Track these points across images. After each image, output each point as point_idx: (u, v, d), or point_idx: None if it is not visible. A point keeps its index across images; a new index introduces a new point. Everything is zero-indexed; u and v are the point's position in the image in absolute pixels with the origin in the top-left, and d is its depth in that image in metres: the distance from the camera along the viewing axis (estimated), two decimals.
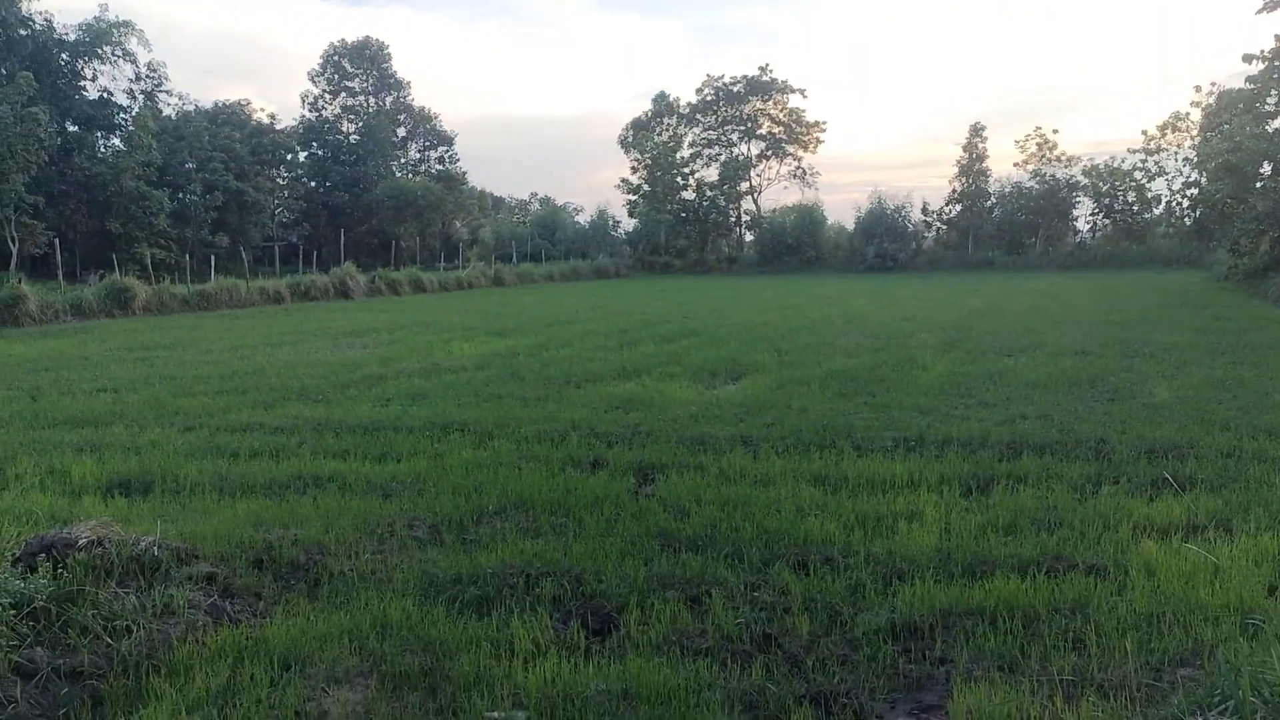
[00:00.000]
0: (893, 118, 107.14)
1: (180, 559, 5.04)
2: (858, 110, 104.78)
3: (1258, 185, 30.77)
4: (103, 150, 50.08)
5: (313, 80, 69.32)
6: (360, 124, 69.15)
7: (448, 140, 74.74)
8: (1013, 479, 6.98)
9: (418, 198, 64.68)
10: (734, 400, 10.81)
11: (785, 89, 66.37)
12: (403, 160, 73.68)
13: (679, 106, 69.48)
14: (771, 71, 66.33)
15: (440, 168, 73.76)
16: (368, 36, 70.06)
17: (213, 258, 38.11)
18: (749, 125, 67.40)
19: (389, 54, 70.74)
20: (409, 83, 72.17)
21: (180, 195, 50.73)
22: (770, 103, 66.92)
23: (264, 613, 4.88)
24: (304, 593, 5.14)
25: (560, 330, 20.16)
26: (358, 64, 69.60)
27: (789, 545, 5.67)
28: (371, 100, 70.71)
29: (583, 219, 71.64)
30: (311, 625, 4.63)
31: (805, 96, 66.89)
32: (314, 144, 67.80)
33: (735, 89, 66.86)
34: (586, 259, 58.95)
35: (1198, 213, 47.15)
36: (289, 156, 65.16)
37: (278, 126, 63.01)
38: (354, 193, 66.13)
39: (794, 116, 66.78)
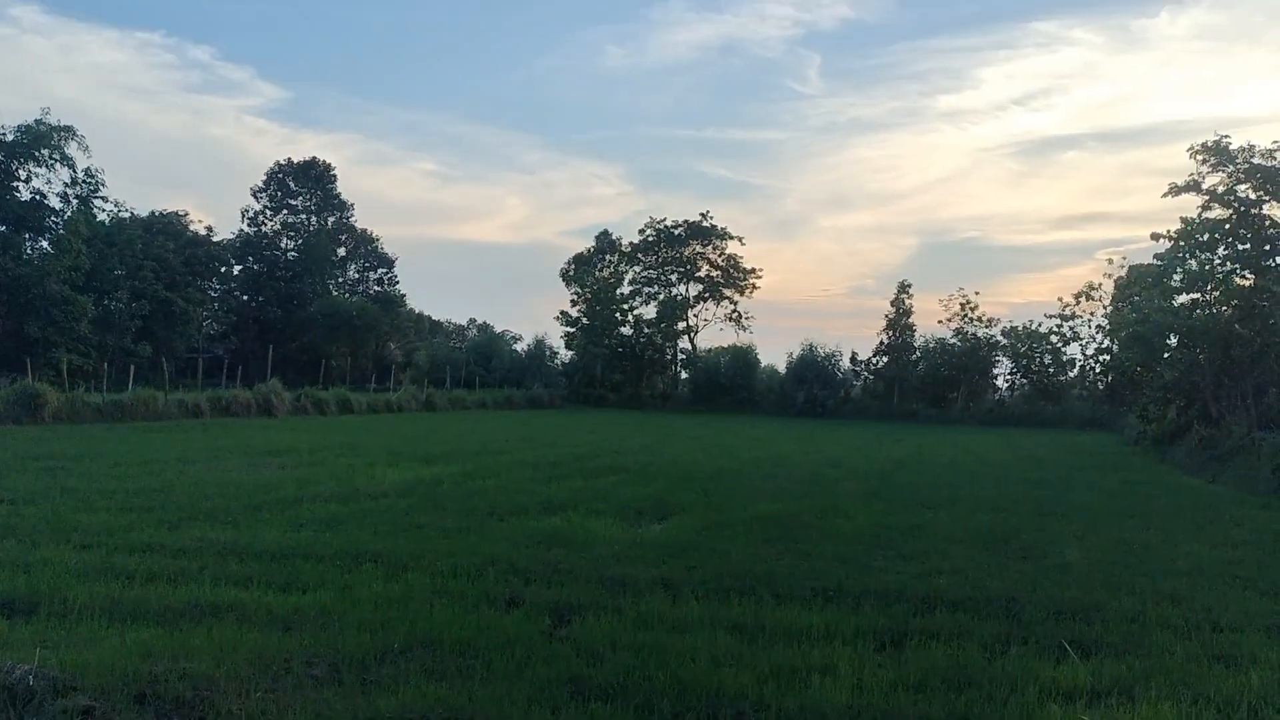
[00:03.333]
0: (827, 269, 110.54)
1: (57, 690, 4.79)
2: (796, 259, 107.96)
3: (1165, 356, 32.09)
4: (29, 252, 49.28)
5: (255, 195, 69.73)
6: (300, 241, 69.27)
7: (388, 262, 75.11)
8: (926, 635, 6.98)
9: (353, 317, 64.49)
10: (658, 541, 10.74)
11: (724, 235, 68.25)
12: (341, 279, 73.69)
13: (621, 245, 71.02)
14: (711, 218, 68.28)
15: (379, 289, 73.88)
16: (314, 158, 70.96)
17: (133, 367, 37.31)
18: (688, 267, 68.93)
19: (334, 175, 71.58)
20: (353, 204, 72.93)
21: (105, 301, 49.88)
22: (709, 247, 68.65)
23: None
24: None
25: (489, 459, 19.98)
26: (302, 183, 70.20)
27: (701, 697, 5.56)
28: (313, 219, 71.08)
29: (520, 347, 71.90)
30: None
31: (743, 244, 68.68)
32: (250, 258, 67.62)
33: (676, 232, 68.61)
34: (521, 388, 58.91)
35: (1109, 378, 48.94)
36: (223, 269, 64.76)
37: (215, 238, 62.81)
38: (288, 309, 65.76)
39: (731, 262, 68.51)
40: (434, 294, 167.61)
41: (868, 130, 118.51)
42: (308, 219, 70.90)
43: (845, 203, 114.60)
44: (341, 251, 73.56)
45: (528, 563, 9.12)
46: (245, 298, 66.72)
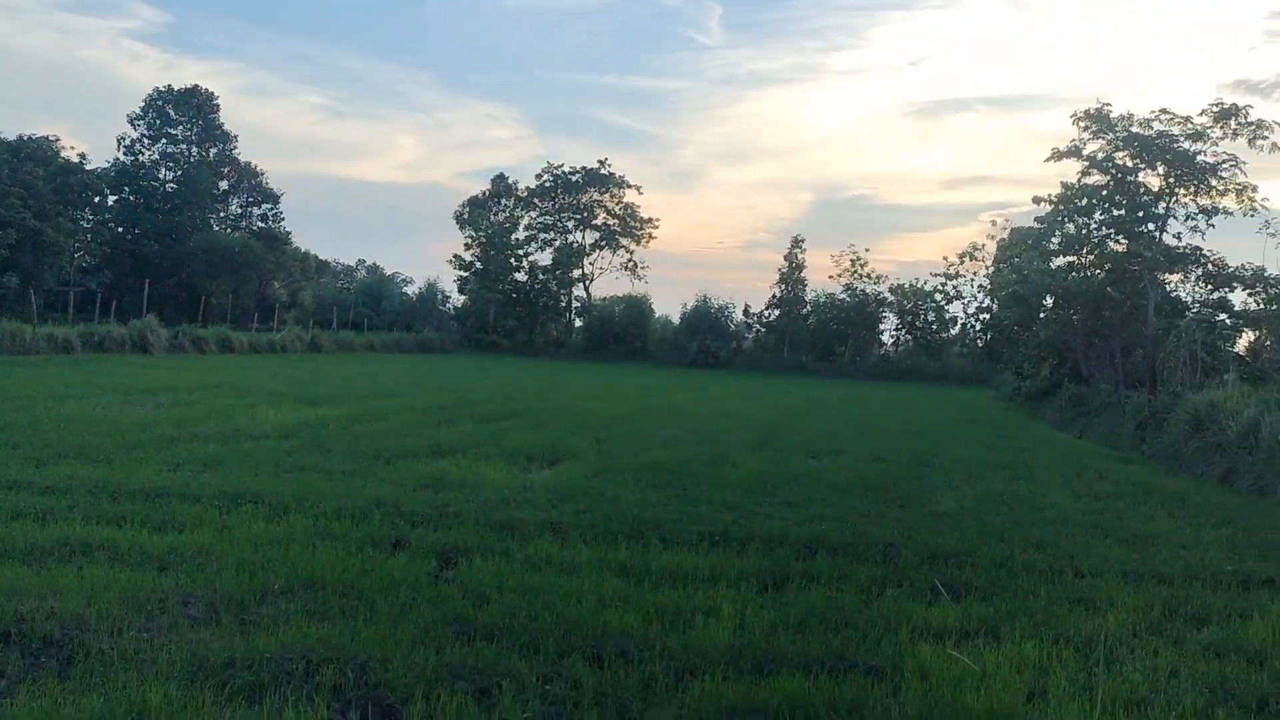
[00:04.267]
0: (723, 222, 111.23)
1: None
2: (692, 211, 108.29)
3: (1041, 316, 33.43)
4: None
5: (132, 123, 66.19)
6: (179, 173, 66.36)
7: (273, 197, 72.47)
8: (807, 578, 7.17)
9: (235, 254, 62.30)
10: (548, 485, 10.75)
11: (622, 184, 68.00)
12: (223, 214, 70.93)
13: (517, 189, 70.14)
14: (610, 166, 67.93)
15: (263, 225, 71.40)
16: (196, 85, 67.80)
17: None
18: (585, 215, 68.55)
19: (217, 104, 68.48)
20: (236, 136, 69.94)
21: None
22: (607, 195, 68.34)
23: (5, 692, 4.45)
24: (54, 672, 4.71)
25: (376, 403, 19.65)
26: (183, 111, 67.01)
27: (587, 637, 5.62)
28: (194, 150, 68.08)
29: (411, 290, 70.76)
30: (58, 709, 4.24)
31: (640, 193, 68.60)
32: (126, 189, 64.51)
33: (574, 179, 68.05)
34: (412, 331, 58.02)
35: (989, 336, 50.82)
36: (97, 199, 61.63)
37: (88, 167, 59.63)
38: (165, 243, 63.08)
39: (629, 211, 68.36)
40: (322, 233, 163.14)
41: (766, 84, 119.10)
42: (188, 149, 67.84)
43: (742, 156, 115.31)
44: (224, 185, 70.70)
45: (415, 506, 9.03)
46: (120, 230, 63.63)
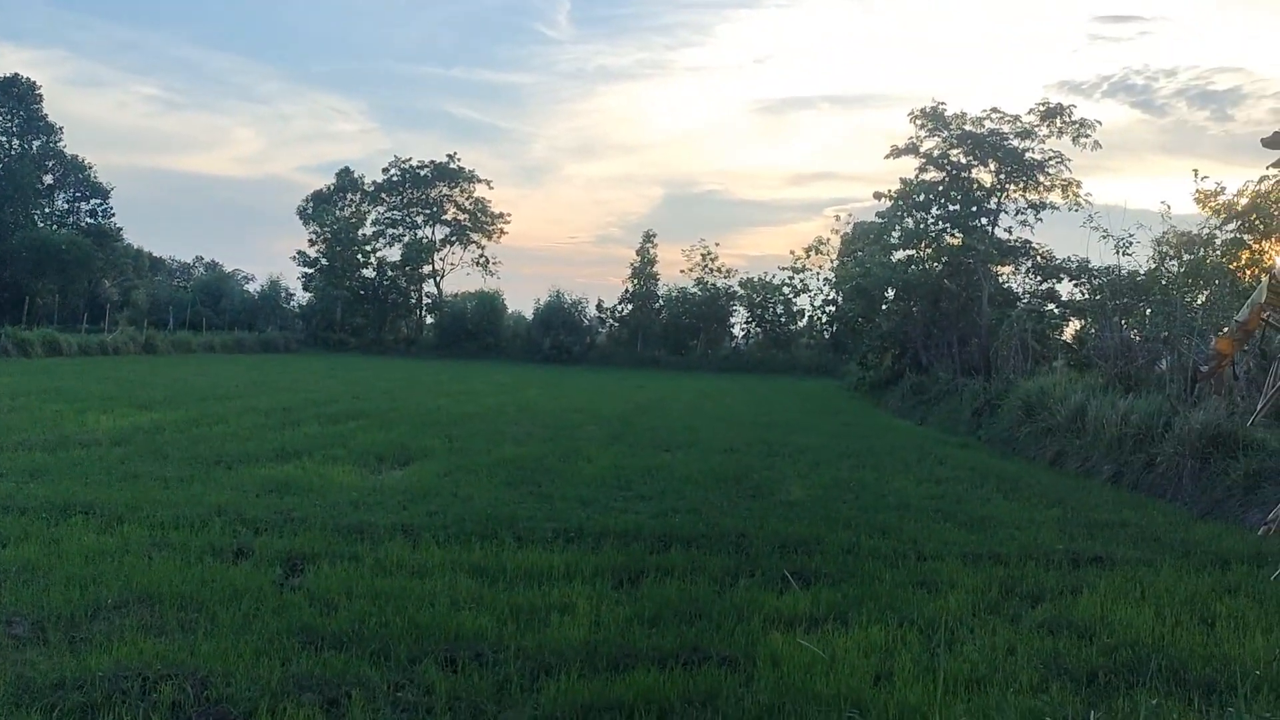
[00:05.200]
0: (574, 217, 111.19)
1: None
2: (544, 206, 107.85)
3: (883, 308, 34.76)
4: None
5: None
6: (0, 166, 62.06)
7: (103, 192, 68.44)
8: (661, 571, 7.25)
9: (61, 251, 58.59)
10: (399, 487, 10.54)
11: (472, 178, 67.17)
12: (48, 210, 66.67)
13: (364, 184, 68.38)
14: (459, 160, 67.00)
15: (92, 221, 67.45)
16: (17, 74, 63.40)
17: None
18: (434, 210, 67.41)
19: (40, 94, 64.22)
20: (61, 128, 65.73)
21: None
22: (457, 190, 67.40)
23: None
24: None
25: (216, 405, 18.85)
26: (2, 102, 62.69)
27: (439, 641, 5.53)
28: (15, 142, 63.75)
29: (253, 288, 68.07)
30: None
31: (491, 187, 67.91)
32: None
33: (422, 173, 66.85)
34: (255, 331, 55.91)
35: (835, 328, 52.51)
36: None
37: None
38: None
39: (479, 206, 67.60)
40: (156, 229, 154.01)
41: (615, 79, 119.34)
42: (9, 142, 63.38)
43: (592, 151, 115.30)
44: (49, 179, 66.36)
45: (258, 512, 8.71)
46: None
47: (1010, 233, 32.28)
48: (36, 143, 64.78)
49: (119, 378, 25.82)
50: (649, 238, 62.62)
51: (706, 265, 61.57)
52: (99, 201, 68.44)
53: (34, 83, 64.11)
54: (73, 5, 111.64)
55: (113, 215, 68.52)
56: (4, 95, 62.64)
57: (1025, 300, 30.79)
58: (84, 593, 6.00)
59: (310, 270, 63.13)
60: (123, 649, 5.09)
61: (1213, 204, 23.75)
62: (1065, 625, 6.34)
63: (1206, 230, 23.23)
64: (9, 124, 63.40)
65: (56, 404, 17.39)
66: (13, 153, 63.16)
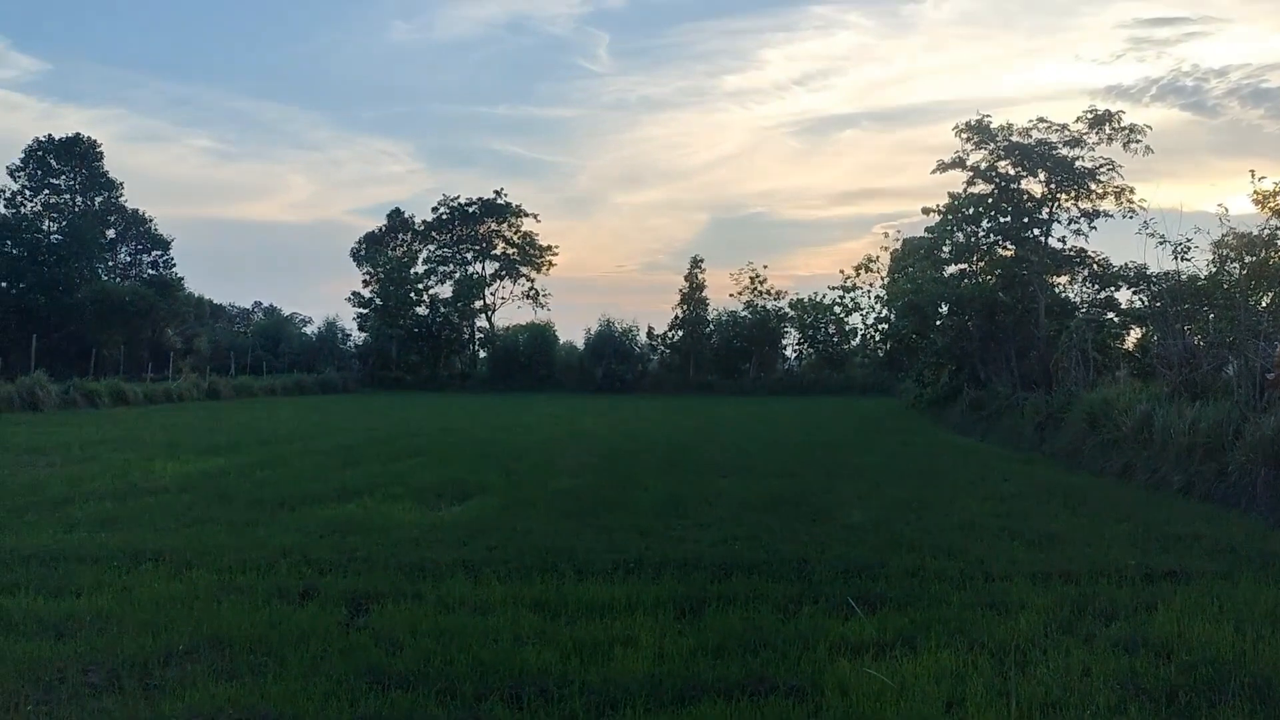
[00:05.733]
0: (621, 246, 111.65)
1: None
2: (591, 236, 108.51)
3: (937, 323, 34.34)
4: None
5: (12, 175, 63.59)
6: (64, 223, 63.98)
7: (163, 243, 70.33)
8: (723, 600, 7.20)
9: (126, 303, 60.13)
10: (459, 522, 10.61)
11: (519, 212, 68.02)
12: (111, 263, 68.63)
13: (414, 223, 69.53)
14: (506, 195, 67.93)
15: (154, 272, 69.26)
16: (78, 134, 65.49)
17: None
18: (484, 245, 68.32)
19: (100, 152, 66.26)
20: (121, 183, 67.71)
21: None
22: (504, 225, 68.26)
23: None
24: None
25: (279, 448, 19.16)
26: (65, 161, 64.69)
27: (504, 677, 5.54)
28: (78, 199, 65.79)
29: (311, 330, 69.33)
30: None
31: (538, 221, 68.72)
32: (9, 242, 61.87)
33: (470, 209, 67.82)
34: (313, 372, 56.79)
35: (888, 346, 51.94)
36: None
37: None
38: (52, 295, 60.54)
39: (527, 239, 68.35)
40: (215, 277, 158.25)
41: (657, 109, 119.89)
42: (72, 199, 65.48)
43: (637, 180, 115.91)
44: (111, 233, 68.37)
45: (322, 553, 8.82)
46: (4, 284, 61.00)
47: (1064, 242, 31.68)
48: (99, 199, 66.78)
49: (184, 424, 26.37)
50: (697, 263, 62.70)
51: (755, 288, 61.49)
52: (160, 253, 70.31)
53: (95, 141, 66.21)
54: (128, 64, 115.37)
55: (174, 265, 70.37)
56: (67, 155, 64.73)
57: (1083, 310, 30.20)
58: (156, 639, 6.11)
59: (365, 310, 64.18)
60: (195, 694, 5.17)
61: (1272, 204, 23.13)
62: (1141, 643, 6.16)
63: (1267, 231, 22.64)
64: (72, 182, 65.48)
65: (125, 453, 17.79)
66: (76, 209, 65.16)
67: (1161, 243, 21.32)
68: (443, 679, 5.49)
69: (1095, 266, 31.86)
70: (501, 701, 5.18)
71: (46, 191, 64.47)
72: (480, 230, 68.16)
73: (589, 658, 5.89)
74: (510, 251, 68.37)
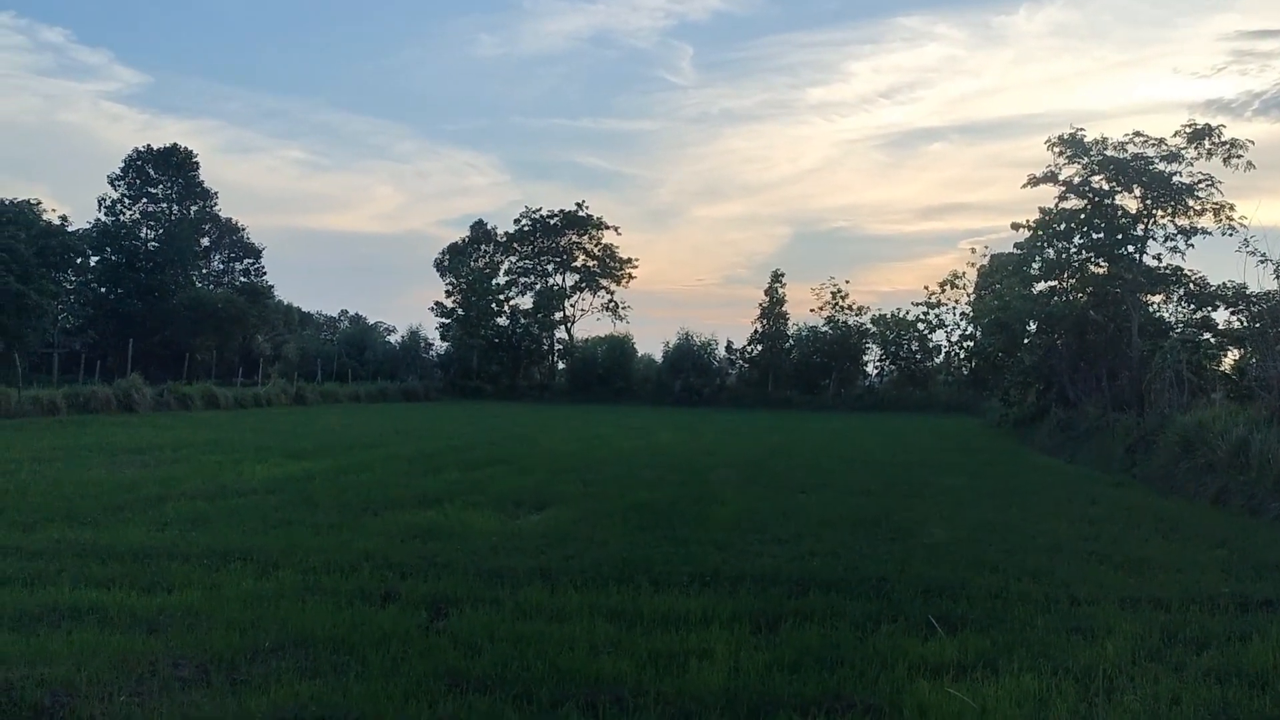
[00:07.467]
0: (701, 259, 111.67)
1: None
2: (671, 249, 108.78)
3: (1025, 341, 33.60)
4: None
5: (112, 184, 66.23)
6: (160, 231, 66.37)
7: (255, 252, 72.78)
8: (800, 616, 7.13)
9: (218, 309, 62.21)
10: (536, 531, 10.70)
11: (600, 225, 68.45)
12: (205, 270, 71.08)
13: (496, 235, 70.55)
14: (587, 208, 68.49)
15: (245, 280, 71.50)
16: (175, 144, 67.93)
17: None
18: (564, 257, 68.92)
19: (196, 162, 68.63)
20: (216, 193, 70.09)
21: None
22: (585, 237, 68.78)
23: None
24: None
25: (362, 453, 19.56)
26: (162, 170, 67.14)
27: (580, 685, 5.57)
28: (175, 208, 68.17)
29: (394, 339, 70.77)
30: None
31: (619, 233, 69.10)
32: (108, 249, 64.47)
33: (552, 221, 68.50)
34: (396, 380, 57.92)
35: (973, 364, 51.00)
36: (79, 260, 61.49)
37: (70, 228, 59.49)
38: (149, 301, 62.94)
39: (607, 251, 68.76)
40: (304, 285, 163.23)
41: (739, 121, 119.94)
42: (169, 208, 67.90)
43: (718, 193, 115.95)
44: (205, 242, 70.90)
45: (403, 557, 8.97)
46: (103, 290, 63.53)
47: (1159, 260, 30.74)
48: (194, 208, 69.19)
49: (272, 428, 27.08)
50: (777, 277, 62.38)
51: (837, 303, 60.90)
52: (251, 261, 72.73)
53: (191, 151, 68.66)
54: (224, 78, 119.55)
55: (264, 274, 72.78)
56: (164, 164, 67.17)
57: (1179, 330, 29.29)
58: (243, 636, 6.28)
59: (447, 320, 65.25)
60: (280, 691, 5.30)
61: None
62: (1234, 674, 5.95)
63: None
64: (169, 191, 67.91)
65: (215, 455, 18.34)
66: (173, 218, 67.54)
67: (1262, 261, 20.61)
68: (520, 684, 5.54)
69: (1192, 285, 30.87)
70: (578, 709, 5.21)
71: (145, 200, 66.95)
72: (561, 242, 68.81)
73: (664, 669, 5.89)
74: (590, 264, 68.87)
